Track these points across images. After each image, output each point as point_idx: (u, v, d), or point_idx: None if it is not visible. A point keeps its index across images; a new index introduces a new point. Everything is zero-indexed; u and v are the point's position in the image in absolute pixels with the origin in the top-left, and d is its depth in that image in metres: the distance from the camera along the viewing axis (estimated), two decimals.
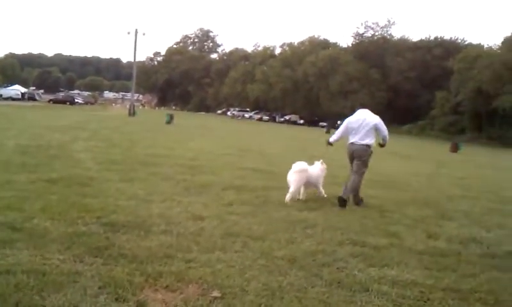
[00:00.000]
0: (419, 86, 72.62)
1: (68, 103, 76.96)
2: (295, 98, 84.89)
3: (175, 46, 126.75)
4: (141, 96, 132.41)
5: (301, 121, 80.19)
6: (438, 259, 5.64)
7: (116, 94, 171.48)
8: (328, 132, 51.95)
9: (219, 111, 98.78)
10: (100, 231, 5.54)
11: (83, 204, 6.73)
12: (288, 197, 8.24)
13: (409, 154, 27.73)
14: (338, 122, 73.18)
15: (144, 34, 59.14)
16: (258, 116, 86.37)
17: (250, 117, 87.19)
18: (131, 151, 14.63)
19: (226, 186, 9.26)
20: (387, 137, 9.03)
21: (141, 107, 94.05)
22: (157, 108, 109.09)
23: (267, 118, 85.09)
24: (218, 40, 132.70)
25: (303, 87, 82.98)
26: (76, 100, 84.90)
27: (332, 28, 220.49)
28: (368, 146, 8.69)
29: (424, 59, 72.98)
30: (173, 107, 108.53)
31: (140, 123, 35.56)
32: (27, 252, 4.65)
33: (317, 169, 9.03)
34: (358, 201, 8.67)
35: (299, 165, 8.55)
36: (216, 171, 11.40)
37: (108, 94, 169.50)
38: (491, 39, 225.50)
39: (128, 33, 58.01)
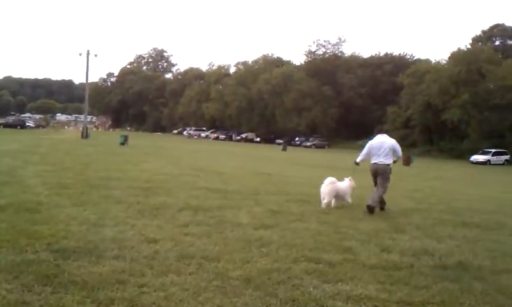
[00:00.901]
0: (370, 101, 74.48)
1: (18, 127, 75.04)
2: (251, 116, 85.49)
3: (128, 66, 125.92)
4: (94, 118, 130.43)
5: (258, 139, 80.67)
6: (391, 272, 5.72)
7: (69, 117, 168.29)
8: (284, 149, 52.42)
9: (175, 131, 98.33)
10: (49, 258, 5.36)
11: (32, 231, 6.52)
12: (323, 205, 10.34)
13: (362, 168, 28.20)
14: (297, 139, 74.28)
15: (96, 55, 58.11)
16: (215, 135, 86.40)
17: (206, 136, 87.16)
18: (83, 174, 14.30)
19: (181, 207, 9.16)
20: (400, 155, 11.10)
21: (94, 129, 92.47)
22: (111, 129, 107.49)
23: (224, 136, 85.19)
24: (173, 60, 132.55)
25: (258, 105, 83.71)
26: (27, 124, 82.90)
27: (285, 47, 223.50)
28: (388, 164, 10.59)
29: (375, 75, 74.99)
30: (128, 128, 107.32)
31: (93, 145, 34.90)
32: None
33: (345, 184, 11.00)
34: (383, 207, 10.59)
35: (329, 179, 10.62)
36: (170, 192, 11.27)
37: (60, 117, 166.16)
38: (439, 55, 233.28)
39: (80, 54, 57.14)
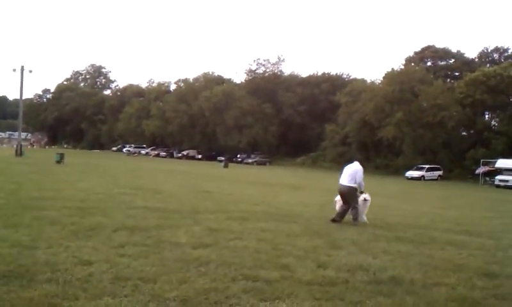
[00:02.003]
0: (309, 119, 75.92)
1: None
2: (192, 133, 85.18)
3: (65, 82, 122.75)
4: (29, 135, 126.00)
5: (199, 156, 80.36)
6: (326, 288, 5.83)
7: (2, 134, 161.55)
8: (225, 166, 52.39)
9: (114, 148, 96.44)
10: None
11: None
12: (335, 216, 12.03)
13: (302, 185, 28.68)
14: (238, 156, 74.45)
15: (31, 71, 56.29)
16: (155, 152, 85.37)
17: (147, 153, 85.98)
18: (15, 194, 13.76)
19: (118, 227, 8.98)
20: (359, 181, 12.03)
21: (29, 147, 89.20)
22: (47, 147, 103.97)
23: (165, 153, 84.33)
24: (111, 76, 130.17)
25: (199, 122, 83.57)
26: None
27: (225, 65, 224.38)
28: (349, 187, 12.00)
29: (313, 94, 76.57)
30: (65, 146, 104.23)
31: (28, 163, 33.63)
32: None
33: (361, 198, 12.04)
34: (336, 219, 11.96)
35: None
36: (107, 212, 11.02)
37: None
38: (374, 74, 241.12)
39: (14, 70, 55.15)
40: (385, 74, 67.36)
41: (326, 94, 74.91)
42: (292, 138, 78.23)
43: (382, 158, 63.19)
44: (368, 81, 74.45)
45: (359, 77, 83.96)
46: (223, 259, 6.95)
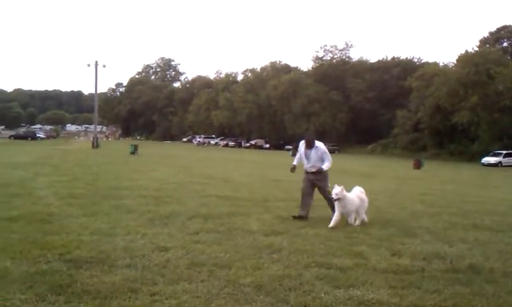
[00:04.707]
0: (379, 105, 74.24)
1: (29, 138, 75.64)
2: (260, 122, 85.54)
3: (136, 76, 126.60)
4: (104, 127, 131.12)
5: (267, 145, 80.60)
6: (402, 276, 5.71)
7: (79, 127, 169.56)
8: (293, 155, 52.28)
9: (184, 139, 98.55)
10: (62, 268, 5.43)
11: (45, 242, 6.59)
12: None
13: (373, 173, 28.16)
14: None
15: (104, 66, 58.76)
16: (224, 142, 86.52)
17: (216, 143, 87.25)
18: (94, 184, 14.41)
19: (191, 215, 9.20)
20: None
21: (104, 139, 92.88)
22: (121, 139, 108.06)
23: (233, 143, 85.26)
24: (180, 69, 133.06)
25: (267, 111, 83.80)
26: (38, 135, 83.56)
27: (292, 53, 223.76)
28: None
29: (383, 79, 74.79)
30: (138, 137, 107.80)
31: (104, 155, 35.09)
32: None
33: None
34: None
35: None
36: (180, 201, 11.32)
37: (71, 128, 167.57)
38: (446, 57, 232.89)
39: (89, 65, 57.72)
40: (459, 56, 64.51)
41: (396, 80, 73.02)
42: (362, 125, 76.83)
43: (456, 144, 60.85)
44: (441, 64, 71.68)
45: (431, 60, 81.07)
46: (295, 246, 6.96)
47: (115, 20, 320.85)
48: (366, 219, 9.32)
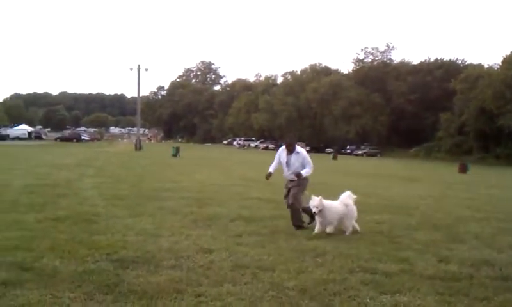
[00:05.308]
0: (422, 108, 72.76)
1: (74, 140, 77.49)
2: (300, 125, 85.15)
3: (178, 80, 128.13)
4: (146, 130, 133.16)
5: (307, 148, 79.99)
6: (449, 283, 5.57)
7: (122, 130, 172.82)
8: (334, 158, 51.88)
9: (224, 142, 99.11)
10: (109, 268, 5.54)
11: (91, 242, 6.74)
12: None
13: (416, 177, 27.63)
14: (347, 147, 73.33)
15: (146, 69, 59.56)
16: (264, 145, 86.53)
17: (256, 146, 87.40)
18: (138, 186, 14.66)
19: (234, 217, 9.24)
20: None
21: (147, 141, 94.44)
22: (163, 141, 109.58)
23: (273, 146, 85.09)
24: (220, 72, 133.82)
25: (307, 114, 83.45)
26: (82, 137, 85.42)
27: (332, 55, 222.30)
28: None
29: (425, 81, 73.33)
30: (179, 140, 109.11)
31: (146, 157, 35.69)
32: (37, 292, 4.66)
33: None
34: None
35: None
36: (222, 203, 11.39)
37: (114, 130, 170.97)
38: (491, 59, 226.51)
39: (131, 69, 58.73)
40: (504, 58, 62.61)
41: (439, 82, 71.42)
42: (404, 128, 75.43)
43: (503, 147, 59.00)
44: (486, 66, 69.79)
45: (475, 62, 79.19)
46: (339, 250, 6.89)
47: (157, 25, 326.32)
48: (358, 227, 8.40)
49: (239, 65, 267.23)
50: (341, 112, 76.38)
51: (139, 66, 57.95)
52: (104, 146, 60.37)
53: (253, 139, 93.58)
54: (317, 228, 8.18)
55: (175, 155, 38.05)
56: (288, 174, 8.83)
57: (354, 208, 8.42)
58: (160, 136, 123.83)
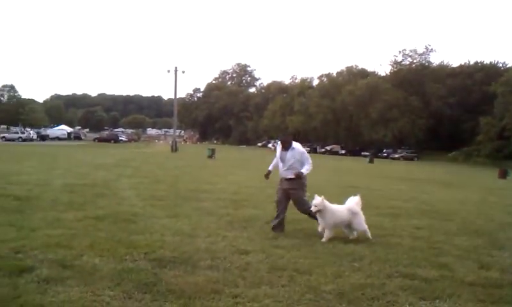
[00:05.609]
0: (461, 111, 71.37)
1: (112, 141, 78.97)
2: (336, 127, 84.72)
3: (213, 82, 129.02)
4: (182, 131, 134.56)
5: (343, 151, 79.49)
6: (491, 290, 5.44)
7: (159, 131, 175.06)
8: (371, 161, 51.23)
9: (259, 144, 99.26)
10: (147, 267, 5.60)
11: (130, 241, 6.83)
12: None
13: (455, 182, 27.07)
14: (384, 151, 72.21)
15: (183, 72, 60.34)
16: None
17: None
18: (175, 186, 14.81)
19: (270, 219, 9.16)
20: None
21: (183, 143, 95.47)
22: (198, 143, 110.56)
23: (308, 149, 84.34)
24: (256, 74, 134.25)
25: (343, 116, 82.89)
26: (120, 138, 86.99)
27: (369, 58, 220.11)
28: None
29: (465, 84, 71.95)
30: (214, 142, 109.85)
31: (182, 158, 36.06)
32: (78, 289, 4.74)
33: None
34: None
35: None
36: (258, 205, 11.39)
37: (151, 131, 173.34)
38: None
39: (168, 71, 59.54)
40: None
41: (479, 85, 69.94)
42: (442, 132, 74.08)
43: None
44: None
45: None
46: (377, 255, 6.80)
47: (194, 28, 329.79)
48: (369, 234, 7.90)
49: (275, 68, 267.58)
50: (378, 115, 75.54)
51: (176, 68, 58.72)
52: (141, 147, 61.30)
53: None
54: (320, 227, 7.91)
55: (210, 157, 38.31)
56: (283, 170, 8.42)
57: (360, 214, 7.98)
58: (196, 138, 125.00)
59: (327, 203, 7.86)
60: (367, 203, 12.82)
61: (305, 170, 8.22)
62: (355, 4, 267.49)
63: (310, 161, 8.37)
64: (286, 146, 8.37)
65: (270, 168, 8.79)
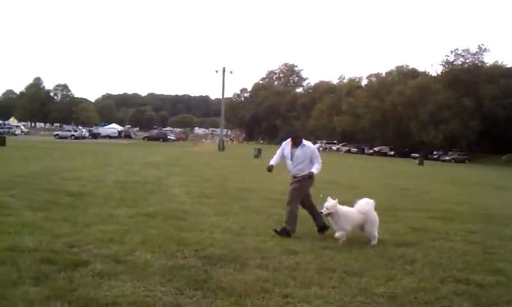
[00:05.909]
0: None
1: (161, 140, 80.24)
2: (384, 128, 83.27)
3: (260, 82, 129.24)
4: (229, 131, 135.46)
5: (392, 153, 78.12)
6: None
7: (206, 130, 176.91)
8: (421, 163, 50.07)
9: None
10: (198, 264, 5.66)
11: (180, 238, 6.92)
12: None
13: (510, 185, 26.16)
14: (434, 152, 70.46)
15: (231, 72, 60.74)
16: (346, 148, 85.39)
17: (338, 149, 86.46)
18: (222, 185, 14.93)
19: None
20: None
21: (229, 142, 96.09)
22: (244, 142, 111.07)
23: (356, 149, 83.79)
24: (303, 74, 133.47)
25: (392, 117, 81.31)
26: (169, 137, 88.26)
27: (420, 57, 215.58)
28: None
29: None
30: (261, 141, 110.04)
31: (229, 157, 36.31)
32: (131, 284, 4.84)
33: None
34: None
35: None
36: None
37: (198, 131, 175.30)
38: None
39: (217, 72, 60.07)
40: None
41: None
42: (496, 134, 71.58)
43: None
44: None
45: None
46: (429, 259, 6.65)
47: (242, 29, 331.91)
48: (377, 236, 7.58)
49: (322, 67, 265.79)
50: (428, 116, 73.72)
51: (224, 68, 59.21)
52: (188, 146, 62.10)
53: (335, 142, 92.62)
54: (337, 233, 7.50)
55: (256, 156, 38.42)
56: (291, 168, 8.17)
57: (374, 215, 7.74)
58: (242, 137, 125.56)
59: (339, 206, 7.60)
60: (419, 206, 12.64)
61: (315, 170, 7.98)
62: (407, 3, 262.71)
63: (320, 160, 8.13)
64: (296, 143, 8.15)
65: (273, 163, 8.50)
